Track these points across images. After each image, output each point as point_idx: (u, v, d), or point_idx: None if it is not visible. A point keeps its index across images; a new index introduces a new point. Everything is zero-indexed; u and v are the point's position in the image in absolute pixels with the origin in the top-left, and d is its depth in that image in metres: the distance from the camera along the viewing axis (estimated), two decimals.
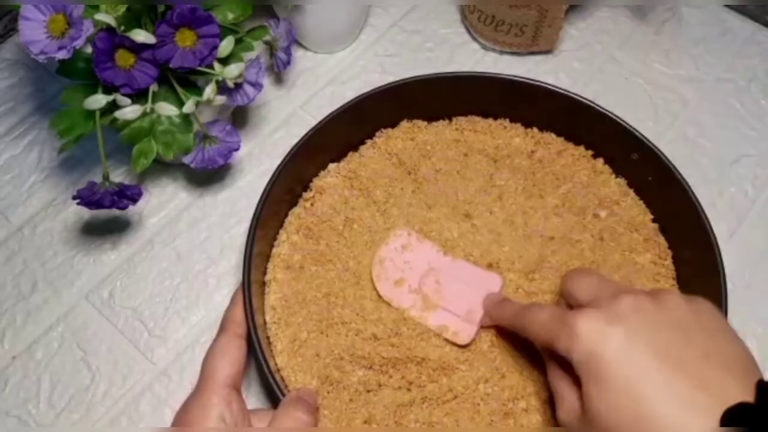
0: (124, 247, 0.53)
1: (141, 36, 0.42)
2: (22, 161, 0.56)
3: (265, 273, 0.48)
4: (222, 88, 0.47)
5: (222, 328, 0.43)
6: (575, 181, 0.51)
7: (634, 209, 0.50)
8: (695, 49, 0.62)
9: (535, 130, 0.54)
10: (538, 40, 0.59)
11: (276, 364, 0.44)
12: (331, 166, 0.52)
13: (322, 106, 0.58)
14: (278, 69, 0.54)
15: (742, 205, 0.54)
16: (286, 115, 0.59)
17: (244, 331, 0.42)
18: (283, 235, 0.49)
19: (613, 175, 0.52)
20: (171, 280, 0.51)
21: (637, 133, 0.49)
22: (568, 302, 0.39)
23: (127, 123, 0.45)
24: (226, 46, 0.45)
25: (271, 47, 0.53)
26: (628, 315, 0.34)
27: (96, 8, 0.42)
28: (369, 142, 0.53)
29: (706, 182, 0.55)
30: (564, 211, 0.50)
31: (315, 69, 0.61)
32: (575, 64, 0.61)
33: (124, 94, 0.44)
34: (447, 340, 0.45)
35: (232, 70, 0.45)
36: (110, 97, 0.44)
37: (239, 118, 0.58)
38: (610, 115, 0.50)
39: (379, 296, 0.46)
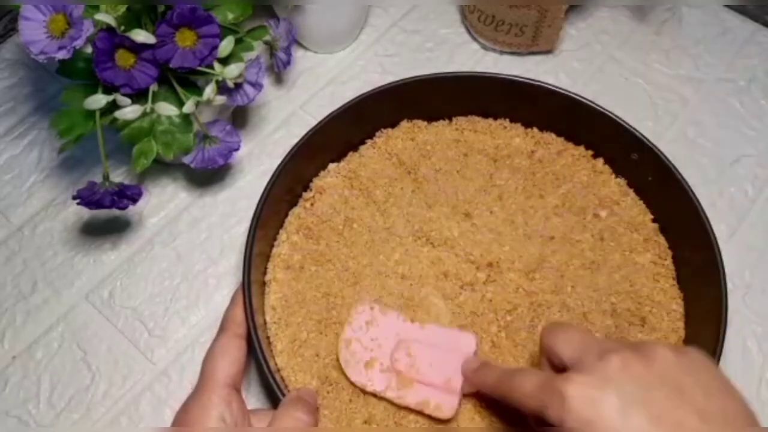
0: (124, 247, 0.53)
1: (141, 36, 0.42)
2: (22, 161, 0.56)
3: (265, 273, 0.48)
4: (222, 88, 0.47)
5: (222, 328, 0.43)
6: (575, 181, 0.51)
7: (634, 209, 0.50)
8: (695, 49, 0.62)
9: (535, 130, 0.54)
10: (538, 40, 0.59)
11: (276, 364, 0.44)
12: (331, 166, 0.52)
13: (322, 106, 0.58)
14: (278, 69, 0.54)
15: (742, 205, 0.54)
16: (286, 115, 0.59)
17: (244, 331, 0.42)
18: (283, 235, 0.49)
19: (613, 175, 0.52)
20: (171, 280, 0.51)
21: (637, 133, 0.49)
22: (549, 359, 0.37)
23: (127, 123, 0.45)
24: (226, 46, 0.45)
25: (271, 47, 0.53)
26: (617, 377, 0.33)
27: (96, 8, 0.42)
28: (369, 142, 0.53)
29: (706, 182, 0.55)
30: (564, 211, 0.50)
31: (315, 69, 0.61)
32: (575, 64, 0.61)
33: (124, 94, 0.44)
34: (430, 417, 0.42)
35: (232, 70, 0.45)
36: (110, 97, 0.44)
37: (239, 118, 0.58)
38: (610, 115, 0.50)
39: (351, 383, 0.44)
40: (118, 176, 0.55)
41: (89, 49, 0.43)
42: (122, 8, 0.43)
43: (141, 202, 0.48)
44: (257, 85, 0.48)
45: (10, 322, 0.50)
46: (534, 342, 0.45)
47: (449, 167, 0.52)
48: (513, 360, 0.44)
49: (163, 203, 0.54)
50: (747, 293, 0.51)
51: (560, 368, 0.36)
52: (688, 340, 0.45)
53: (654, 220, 0.50)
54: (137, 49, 0.43)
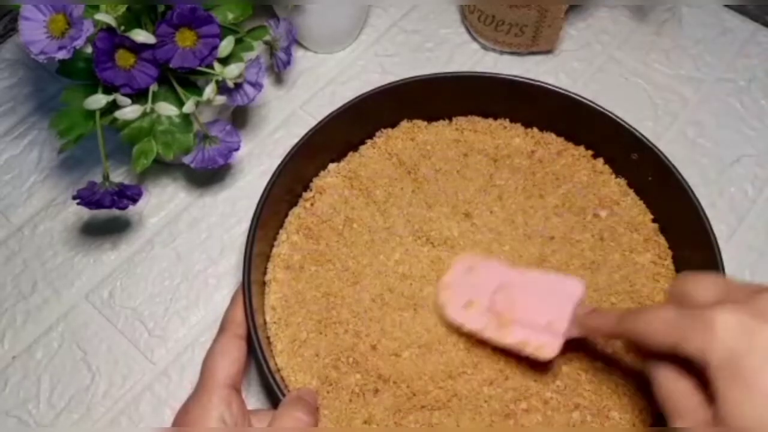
0: (124, 247, 0.53)
1: (141, 36, 0.42)
2: (22, 161, 0.56)
3: (265, 273, 0.48)
4: (222, 88, 0.47)
5: (222, 329, 0.43)
6: (575, 181, 0.51)
7: (634, 209, 0.50)
8: (695, 49, 0.62)
9: (535, 130, 0.54)
10: (538, 40, 0.59)
11: (276, 364, 0.44)
12: (331, 166, 0.52)
13: (322, 106, 0.58)
14: (278, 69, 0.54)
15: (742, 205, 0.54)
16: (286, 115, 0.59)
17: (244, 332, 0.42)
18: (283, 235, 0.49)
19: (613, 175, 0.52)
20: (171, 280, 0.51)
21: (637, 133, 0.49)
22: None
23: (127, 123, 0.45)
24: (226, 46, 0.45)
25: (271, 47, 0.53)
26: None
27: (96, 8, 0.42)
28: (369, 142, 0.53)
29: (706, 182, 0.55)
30: (564, 211, 0.50)
31: (315, 69, 0.61)
32: (575, 64, 0.61)
33: (124, 94, 0.44)
34: (528, 357, 0.41)
35: (232, 70, 0.45)
36: (110, 97, 0.43)
37: (239, 118, 0.58)
38: (610, 115, 0.50)
39: (448, 323, 0.44)
40: (118, 176, 0.55)
41: (89, 49, 0.43)
42: (122, 8, 0.43)
43: (141, 202, 0.48)
44: (257, 85, 0.48)
45: (10, 322, 0.50)
46: None
47: (449, 167, 0.52)
48: (515, 361, 0.44)
49: (163, 203, 0.54)
50: None
51: None
52: None
53: (654, 220, 0.50)
54: (137, 49, 0.43)
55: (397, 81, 0.51)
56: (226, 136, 0.48)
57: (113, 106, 0.44)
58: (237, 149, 0.49)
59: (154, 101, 0.45)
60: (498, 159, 0.52)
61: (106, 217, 0.53)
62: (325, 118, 0.49)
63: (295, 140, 0.48)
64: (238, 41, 0.47)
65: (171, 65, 0.44)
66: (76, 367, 0.48)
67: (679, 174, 0.47)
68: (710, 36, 0.63)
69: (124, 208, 0.46)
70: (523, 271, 0.44)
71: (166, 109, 0.45)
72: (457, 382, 0.44)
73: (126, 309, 0.50)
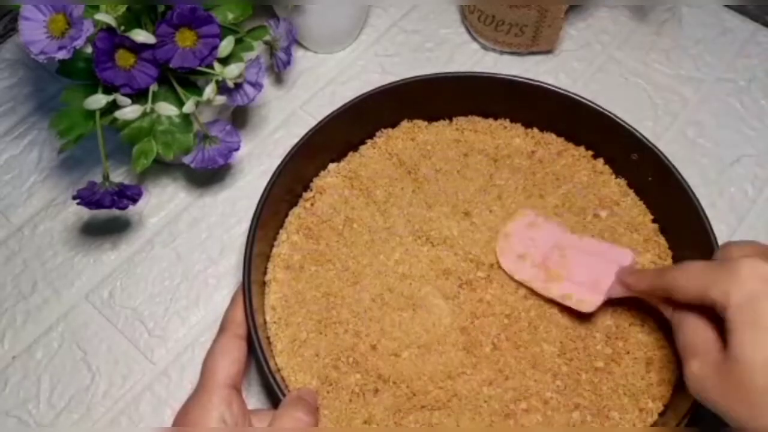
0: (124, 247, 0.52)
1: (141, 36, 0.42)
2: (22, 161, 0.56)
3: (265, 273, 0.48)
4: (222, 88, 0.47)
5: (222, 329, 0.43)
6: (575, 181, 0.51)
7: (634, 209, 0.50)
8: (695, 49, 0.62)
9: (536, 130, 0.54)
10: (538, 40, 0.59)
11: (276, 364, 0.44)
12: (331, 166, 0.52)
13: (322, 106, 0.58)
14: (278, 69, 0.54)
15: (742, 205, 0.54)
16: (286, 115, 0.58)
17: (244, 332, 0.42)
18: (283, 235, 0.49)
19: (613, 176, 0.52)
20: (171, 280, 0.51)
21: (637, 133, 0.49)
22: None
23: (127, 123, 0.45)
24: (226, 46, 0.45)
25: (271, 47, 0.53)
26: None
27: (96, 8, 0.42)
28: (369, 142, 0.53)
29: (706, 182, 0.55)
30: (564, 211, 0.50)
31: (315, 69, 0.61)
32: (575, 64, 0.61)
33: (124, 94, 0.44)
34: (569, 309, 0.45)
35: (232, 70, 0.45)
36: (110, 97, 0.43)
37: (239, 118, 0.58)
38: (610, 115, 0.50)
39: (502, 269, 0.47)
40: (118, 176, 0.55)
41: (89, 49, 0.43)
42: (122, 8, 0.43)
43: (141, 202, 0.48)
44: (257, 85, 0.48)
45: (10, 322, 0.50)
46: (535, 343, 0.45)
47: (449, 167, 0.52)
48: (515, 361, 0.44)
49: (163, 203, 0.54)
50: None
51: None
52: None
53: (654, 221, 0.50)
54: (137, 49, 0.43)
55: (397, 81, 0.51)
56: (226, 136, 0.48)
57: (113, 106, 0.44)
58: (237, 149, 0.49)
59: (154, 101, 0.45)
60: (498, 159, 0.52)
61: (106, 217, 0.53)
62: (325, 118, 0.49)
63: (295, 140, 0.48)
64: (238, 41, 0.47)
65: (171, 65, 0.44)
66: (76, 367, 0.48)
67: (679, 174, 0.47)
68: (710, 36, 0.63)
69: (124, 208, 0.46)
70: (580, 236, 0.48)
71: (166, 109, 0.45)
72: (457, 382, 0.44)
73: (126, 309, 0.50)
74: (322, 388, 0.44)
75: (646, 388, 0.44)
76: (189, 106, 0.45)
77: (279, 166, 0.47)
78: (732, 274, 0.32)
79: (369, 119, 0.52)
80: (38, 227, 0.53)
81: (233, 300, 0.44)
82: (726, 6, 0.64)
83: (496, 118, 0.54)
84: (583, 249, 0.46)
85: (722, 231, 0.53)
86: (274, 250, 0.49)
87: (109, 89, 0.44)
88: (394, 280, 0.47)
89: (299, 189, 0.51)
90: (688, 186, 0.47)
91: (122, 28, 0.43)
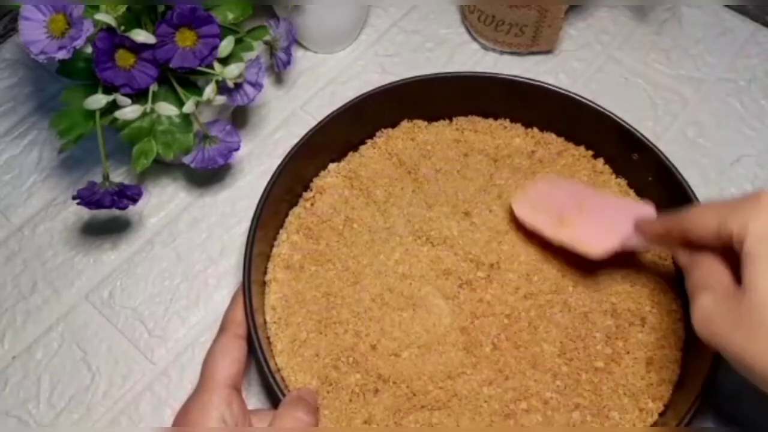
0: (124, 247, 0.52)
1: (141, 36, 0.42)
2: (22, 161, 0.56)
3: (265, 273, 0.48)
4: (222, 88, 0.47)
5: (222, 329, 0.43)
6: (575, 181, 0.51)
7: None
8: (695, 49, 0.62)
9: (536, 130, 0.54)
10: (538, 40, 0.59)
11: (276, 364, 0.44)
12: (331, 166, 0.52)
13: (322, 106, 0.58)
14: (278, 69, 0.54)
15: None
16: (286, 115, 0.58)
17: (244, 332, 0.42)
18: (283, 235, 0.49)
19: (614, 175, 0.52)
20: (171, 280, 0.51)
21: (637, 133, 0.49)
22: None
23: (127, 123, 0.45)
24: (226, 46, 0.45)
25: (271, 47, 0.53)
26: None
27: (96, 8, 0.42)
28: (369, 142, 0.53)
29: (706, 182, 0.55)
30: None
31: (315, 69, 0.61)
32: (575, 64, 0.61)
33: (124, 94, 0.44)
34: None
35: (232, 70, 0.45)
36: (110, 97, 0.44)
37: (239, 118, 0.58)
38: (610, 115, 0.50)
39: (517, 220, 0.47)
40: (118, 176, 0.55)
41: (89, 49, 0.43)
42: (122, 8, 0.43)
43: (141, 202, 0.48)
44: (257, 85, 0.48)
45: (10, 322, 0.50)
46: (535, 343, 0.45)
47: (449, 167, 0.52)
48: (515, 361, 0.44)
49: (163, 203, 0.54)
50: None
51: None
52: (688, 340, 0.45)
53: None
54: (137, 49, 0.43)
55: (397, 81, 0.51)
56: (226, 136, 0.48)
57: (113, 106, 0.44)
58: (237, 149, 0.49)
59: (154, 101, 0.45)
60: (498, 159, 0.52)
61: (106, 217, 0.53)
62: (325, 118, 0.49)
63: (295, 140, 0.48)
64: (238, 41, 0.47)
65: (171, 65, 0.44)
66: (76, 367, 0.48)
67: (679, 174, 0.47)
68: (710, 36, 0.63)
69: (124, 208, 0.46)
70: (602, 192, 0.48)
71: (166, 109, 0.45)
72: (457, 382, 0.44)
73: (126, 309, 0.50)
74: (322, 388, 0.44)
75: (646, 388, 0.44)
76: (189, 106, 0.45)
77: (279, 166, 0.47)
78: (753, 205, 0.31)
79: (369, 119, 0.52)
80: (38, 227, 0.53)
81: (233, 300, 0.44)
82: (726, 6, 0.64)
83: (496, 118, 0.54)
84: (602, 202, 0.46)
85: None
86: (274, 250, 0.49)
87: (109, 89, 0.44)
88: (394, 280, 0.47)
89: (299, 189, 0.51)
90: (688, 186, 0.47)
91: (122, 28, 0.43)
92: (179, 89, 0.46)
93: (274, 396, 0.42)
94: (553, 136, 0.53)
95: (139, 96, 0.45)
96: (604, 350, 0.45)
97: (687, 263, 0.37)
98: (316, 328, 0.46)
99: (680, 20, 0.64)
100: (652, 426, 0.43)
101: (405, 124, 0.54)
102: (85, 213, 0.53)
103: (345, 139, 0.53)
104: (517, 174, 0.51)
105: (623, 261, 0.48)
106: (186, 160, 0.48)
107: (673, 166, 0.48)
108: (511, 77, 0.51)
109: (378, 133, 0.53)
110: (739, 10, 0.64)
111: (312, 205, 0.51)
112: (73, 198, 0.44)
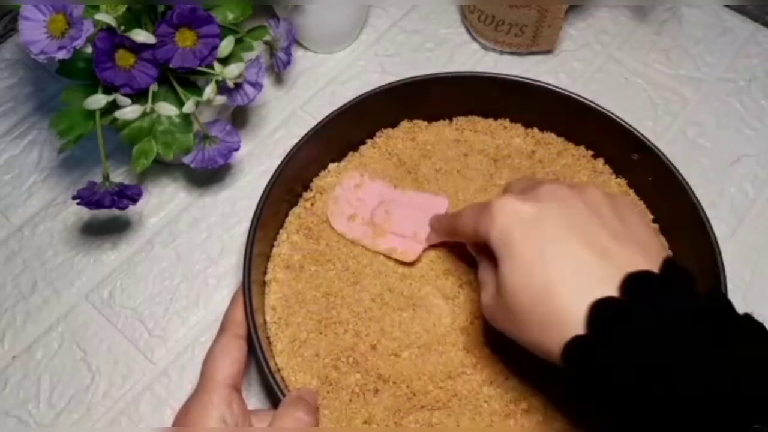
0: (124, 247, 0.53)
1: (141, 36, 0.42)
2: (22, 161, 0.56)
3: (265, 273, 0.48)
4: (222, 88, 0.47)
5: (222, 329, 0.43)
6: (576, 181, 0.51)
7: None
8: (695, 49, 0.62)
9: (536, 130, 0.54)
10: (538, 40, 0.59)
11: (276, 364, 0.44)
12: (331, 166, 0.52)
13: (322, 106, 0.58)
14: (278, 69, 0.54)
15: (742, 205, 0.54)
16: (286, 115, 0.58)
17: (244, 332, 0.42)
18: (283, 235, 0.49)
19: (614, 175, 0.52)
20: (171, 280, 0.51)
21: (637, 133, 0.49)
22: None
23: (127, 123, 0.45)
24: (226, 46, 0.45)
25: (271, 47, 0.53)
26: (543, 197, 0.35)
27: (96, 8, 0.42)
28: (369, 142, 0.53)
29: (706, 182, 0.55)
30: None
31: (315, 69, 0.61)
32: (575, 64, 0.61)
33: (124, 94, 0.44)
34: (394, 260, 0.47)
35: (232, 70, 0.45)
36: (110, 97, 0.44)
37: (239, 118, 0.58)
38: (610, 115, 0.50)
39: (339, 234, 0.49)
40: (118, 176, 0.55)
41: (89, 49, 0.43)
42: (122, 8, 0.43)
43: (141, 202, 0.48)
44: (257, 85, 0.48)
45: (10, 322, 0.50)
46: None
47: (449, 167, 0.52)
48: (514, 360, 0.44)
49: (163, 203, 0.54)
50: (747, 293, 0.51)
51: None
52: None
53: (654, 220, 0.50)
54: (137, 49, 0.43)
55: (397, 81, 0.51)
56: (226, 136, 0.48)
57: (113, 106, 0.44)
58: (237, 149, 0.49)
59: (154, 101, 0.45)
60: (498, 159, 0.52)
61: (106, 217, 0.53)
62: (325, 118, 0.49)
63: (295, 140, 0.48)
64: (238, 41, 0.47)
65: (171, 65, 0.44)
66: (76, 367, 0.48)
67: (679, 174, 0.47)
68: (710, 36, 0.63)
69: (124, 208, 0.46)
70: (402, 190, 0.50)
71: (166, 109, 0.45)
72: (457, 382, 0.44)
73: (126, 309, 0.50)
74: (322, 388, 0.44)
75: None
76: (189, 106, 0.45)
77: (279, 166, 0.47)
78: (487, 214, 0.35)
79: (369, 119, 0.52)
80: (38, 227, 0.53)
81: (233, 300, 0.44)
82: (726, 6, 0.64)
83: (496, 118, 0.54)
84: (405, 203, 0.49)
85: (722, 231, 0.53)
86: (274, 250, 0.49)
87: (109, 89, 0.44)
88: (394, 280, 0.47)
89: (299, 189, 0.51)
90: (688, 186, 0.47)
91: (122, 28, 0.43)
92: (179, 89, 0.46)
93: (274, 396, 0.42)
94: (553, 136, 0.53)
95: (139, 96, 0.45)
96: None
97: (475, 257, 0.41)
98: (316, 328, 0.46)
99: (680, 20, 0.64)
100: None
101: (405, 124, 0.54)
102: (85, 213, 0.53)
103: (345, 139, 0.53)
104: (517, 174, 0.51)
105: None
106: (186, 160, 0.48)
107: (673, 166, 0.48)
108: (511, 77, 0.51)
109: (378, 133, 0.53)
110: (739, 10, 0.64)
111: (312, 205, 0.51)
112: (73, 198, 0.44)
